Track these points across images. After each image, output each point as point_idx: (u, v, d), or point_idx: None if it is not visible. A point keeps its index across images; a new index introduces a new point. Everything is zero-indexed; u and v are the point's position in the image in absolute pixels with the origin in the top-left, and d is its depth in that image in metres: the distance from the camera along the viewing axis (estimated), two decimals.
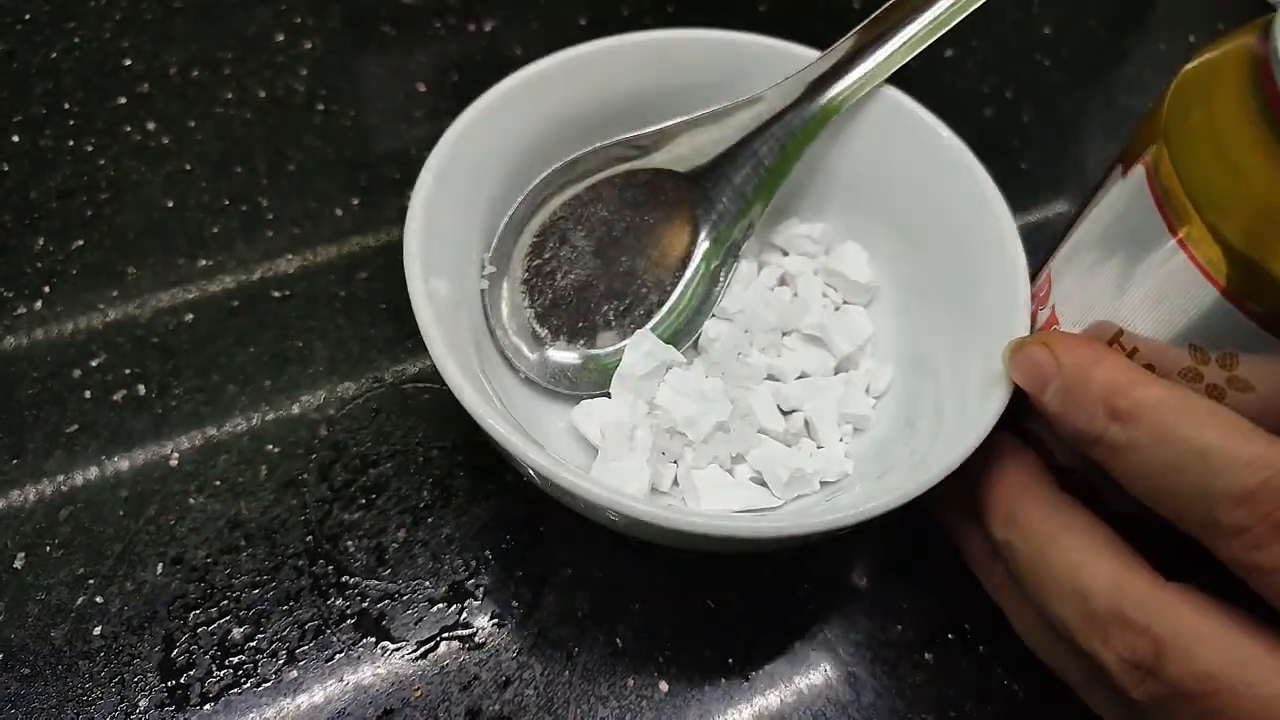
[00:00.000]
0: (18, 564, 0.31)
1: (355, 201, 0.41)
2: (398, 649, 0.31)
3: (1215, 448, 0.21)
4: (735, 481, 0.30)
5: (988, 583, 0.30)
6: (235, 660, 0.30)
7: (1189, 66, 0.24)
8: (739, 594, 0.32)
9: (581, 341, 0.33)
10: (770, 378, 0.33)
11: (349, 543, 0.33)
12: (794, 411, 0.32)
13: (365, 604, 0.31)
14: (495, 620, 0.31)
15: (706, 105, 0.33)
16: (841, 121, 0.34)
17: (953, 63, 0.49)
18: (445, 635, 0.31)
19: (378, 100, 0.45)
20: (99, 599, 0.31)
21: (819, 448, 0.32)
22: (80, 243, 0.39)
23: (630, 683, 0.31)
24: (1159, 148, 0.23)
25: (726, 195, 0.34)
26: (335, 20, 0.48)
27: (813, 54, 0.33)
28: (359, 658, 0.30)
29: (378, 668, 0.30)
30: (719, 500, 0.30)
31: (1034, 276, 0.30)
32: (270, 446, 0.34)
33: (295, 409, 0.35)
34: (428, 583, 0.32)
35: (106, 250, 0.39)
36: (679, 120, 0.33)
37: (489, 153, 0.31)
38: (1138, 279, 0.24)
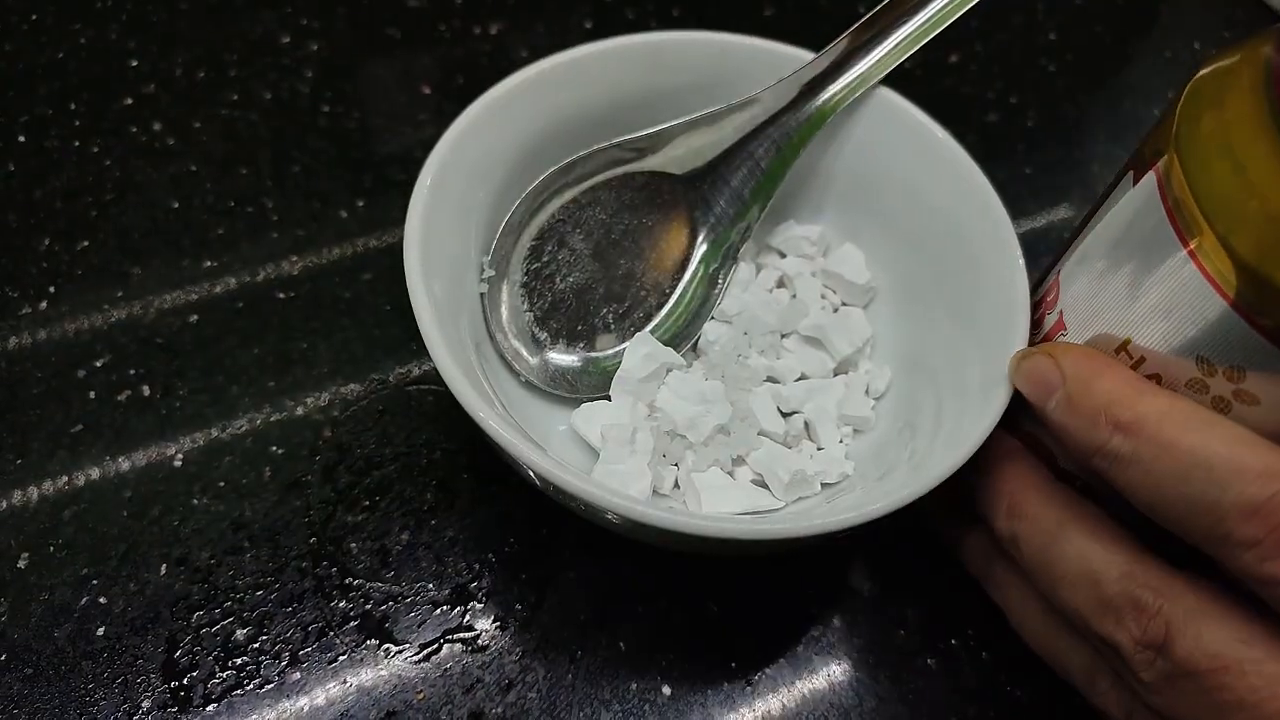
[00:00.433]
0: (21, 564, 0.31)
1: (360, 203, 0.41)
2: (400, 651, 0.31)
3: (1222, 459, 0.21)
4: (736, 484, 0.30)
5: (986, 581, 0.30)
6: (238, 661, 0.30)
7: (1200, 75, 0.23)
8: (742, 598, 0.32)
9: (581, 344, 0.33)
10: (770, 380, 0.33)
11: (352, 544, 0.33)
12: (794, 413, 0.32)
13: (368, 606, 0.31)
14: (498, 623, 0.31)
15: (703, 107, 0.33)
16: (838, 123, 0.34)
17: (957, 67, 0.49)
18: (448, 638, 0.31)
19: (382, 102, 0.45)
20: (102, 599, 0.31)
21: (819, 449, 0.32)
22: (85, 243, 0.39)
23: (633, 686, 0.31)
24: (1170, 158, 0.23)
25: (724, 197, 0.34)
26: (340, 22, 0.48)
27: (808, 55, 0.33)
28: (362, 660, 0.30)
29: (380, 670, 0.30)
30: (720, 502, 0.30)
31: (1039, 280, 0.30)
32: (274, 448, 0.34)
33: (299, 410, 0.35)
34: (431, 585, 0.32)
35: (111, 251, 0.39)
36: (676, 122, 0.33)
37: (486, 156, 0.31)
38: (1147, 289, 0.24)
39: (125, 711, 0.29)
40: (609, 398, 0.32)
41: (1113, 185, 0.26)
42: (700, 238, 0.34)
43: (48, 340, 0.36)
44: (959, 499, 0.29)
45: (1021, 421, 0.28)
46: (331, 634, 0.31)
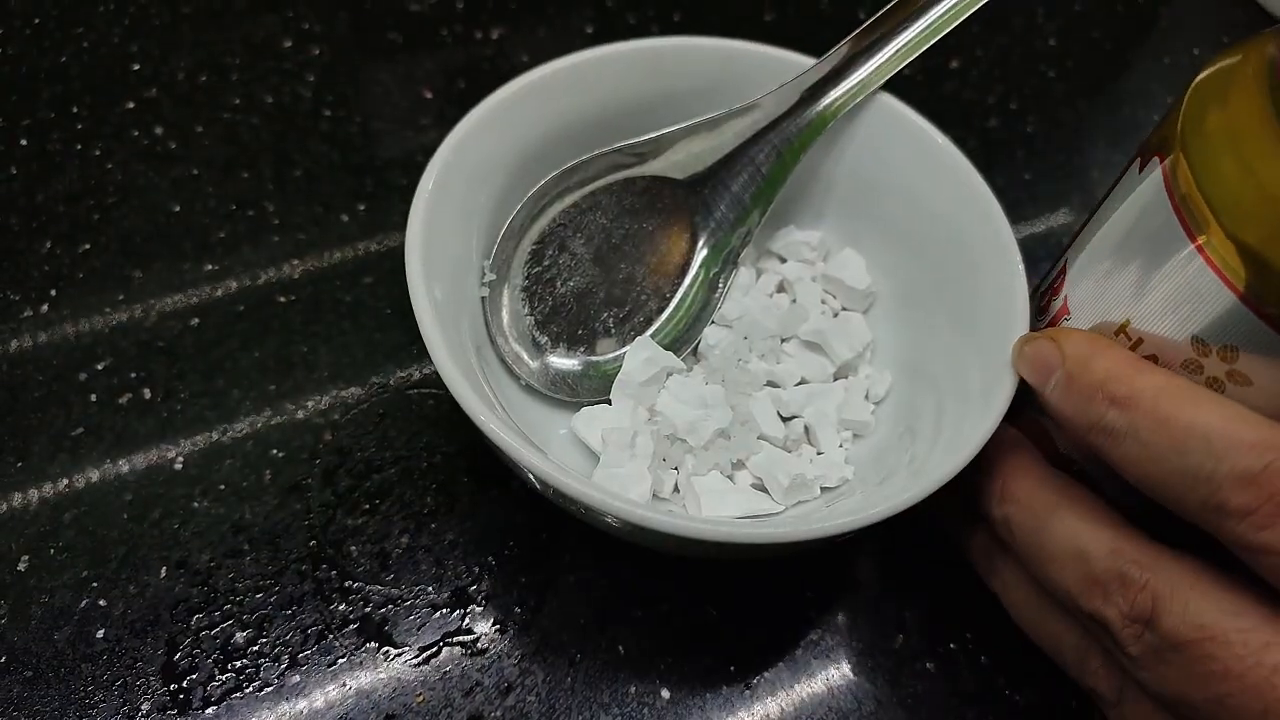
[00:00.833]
0: (21, 566, 0.31)
1: (361, 207, 0.41)
2: (400, 654, 0.31)
3: (1217, 431, 0.21)
4: (736, 488, 0.30)
5: (986, 574, 0.30)
6: (237, 664, 0.30)
7: (1204, 74, 0.24)
8: (741, 601, 0.32)
9: (581, 348, 0.33)
10: (770, 384, 0.33)
11: (352, 548, 0.33)
12: (794, 418, 0.32)
13: (368, 609, 0.32)
14: (497, 626, 0.32)
15: (703, 112, 0.33)
16: (838, 129, 0.34)
17: (958, 73, 0.49)
18: (447, 641, 0.31)
19: (384, 106, 0.45)
20: (102, 602, 0.31)
21: (819, 454, 0.32)
22: (87, 246, 0.39)
23: (632, 690, 0.31)
24: (1176, 155, 0.23)
25: (724, 202, 0.34)
26: (343, 27, 0.48)
27: (809, 61, 0.33)
28: (361, 663, 0.30)
29: (380, 673, 0.30)
30: (720, 506, 0.30)
31: (1040, 284, 0.30)
32: (274, 451, 0.35)
33: (300, 414, 0.35)
34: (430, 588, 0.32)
35: (113, 254, 0.39)
36: (676, 128, 0.33)
37: (487, 160, 0.31)
38: (1155, 282, 0.24)
39: (125, 714, 0.29)
40: (609, 402, 0.32)
41: (1120, 176, 0.27)
42: (701, 242, 0.34)
43: (49, 343, 0.36)
44: (964, 497, 0.29)
45: (1021, 408, 0.28)
46: (331, 637, 0.31)
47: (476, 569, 0.33)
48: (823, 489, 0.31)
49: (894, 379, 0.33)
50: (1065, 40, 0.51)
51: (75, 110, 0.43)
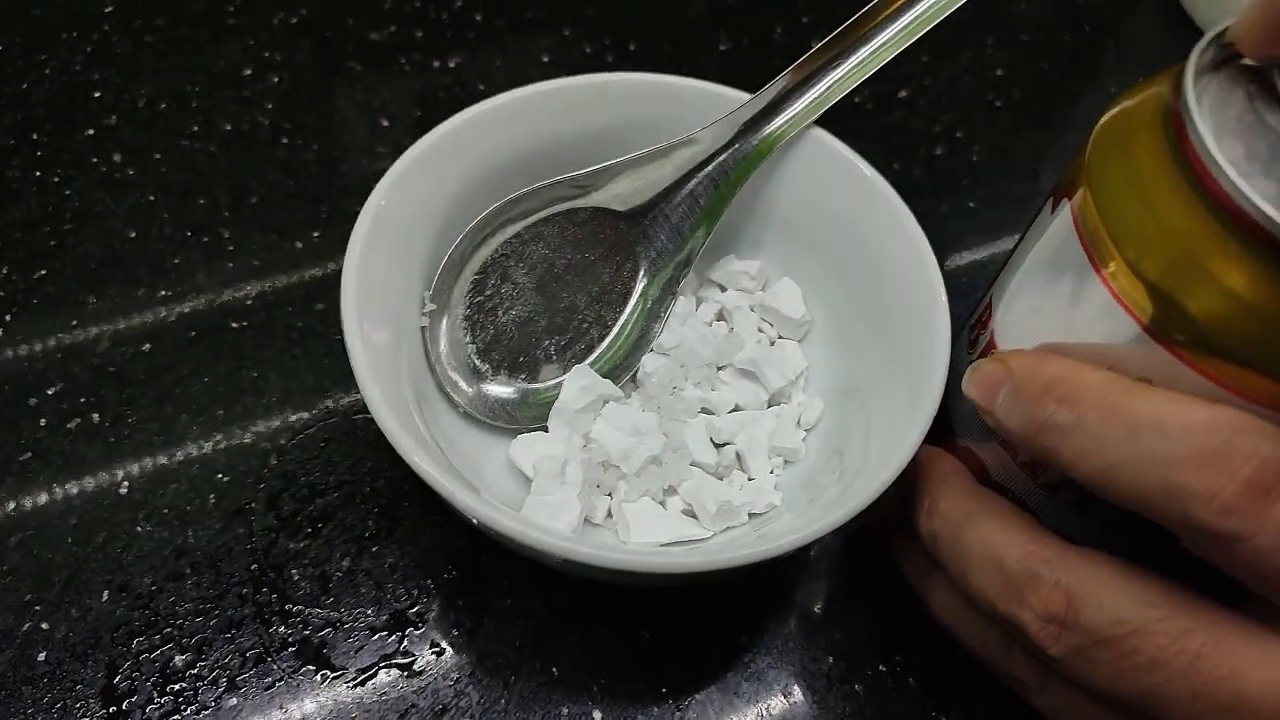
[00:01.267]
0: None
1: (315, 234, 0.42)
2: (338, 676, 0.31)
3: (1168, 413, 0.21)
4: (666, 514, 0.31)
5: (917, 586, 0.31)
6: (176, 687, 0.31)
7: (1110, 113, 0.25)
8: (674, 625, 0.33)
9: (523, 376, 0.34)
10: (705, 411, 0.34)
11: (294, 571, 0.33)
12: (726, 444, 0.33)
13: (307, 632, 0.32)
14: (435, 649, 0.32)
15: (644, 146, 0.34)
16: (776, 161, 0.35)
17: (906, 102, 0.50)
18: (385, 663, 0.32)
19: (341, 134, 0.46)
20: (45, 625, 0.31)
21: (750, 480, 0.33)
22: (43, 272, 0.40)
23: (565, 711, 0.31)
24: (1084, 191, 0.24)
25: (665, 233, 0.35)
26: (303, 55, 0.49)
27: (745, 96, 0.34)
28: (298, 685, 0.31)
29: (317, 695, 0.31)
30: (649, 532, 0.30)
31: (969, 318, 0.31)
32: (220, 475, 0.35)
33: (247, 438, 0.36)
34: (370, 611, 0.33)
35: (68, 280, 0.40)
36: (618, 161, 0.34)
37: (430, 194, 0.32)
38: (1066, 312, 0.25)
39: None
40: (548, 429, 0.33)
41: (1035, 215, 0.27)
42: (641, 272, 0.35)
43: (1, 368, 0.37)
44: (899, 516, 0.30)
45: (955, 436, 0.29)
46: (270, 660, 0.31)
47: (415, 592, 0.33)
48: (751, 515, 0.32)
49: (825, 405, 0.34)
50: (1012, 70, 0.52)
51: (35, 137, 0.44)
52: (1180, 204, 0.21)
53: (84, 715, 0.30)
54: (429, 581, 0.33)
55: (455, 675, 0.32)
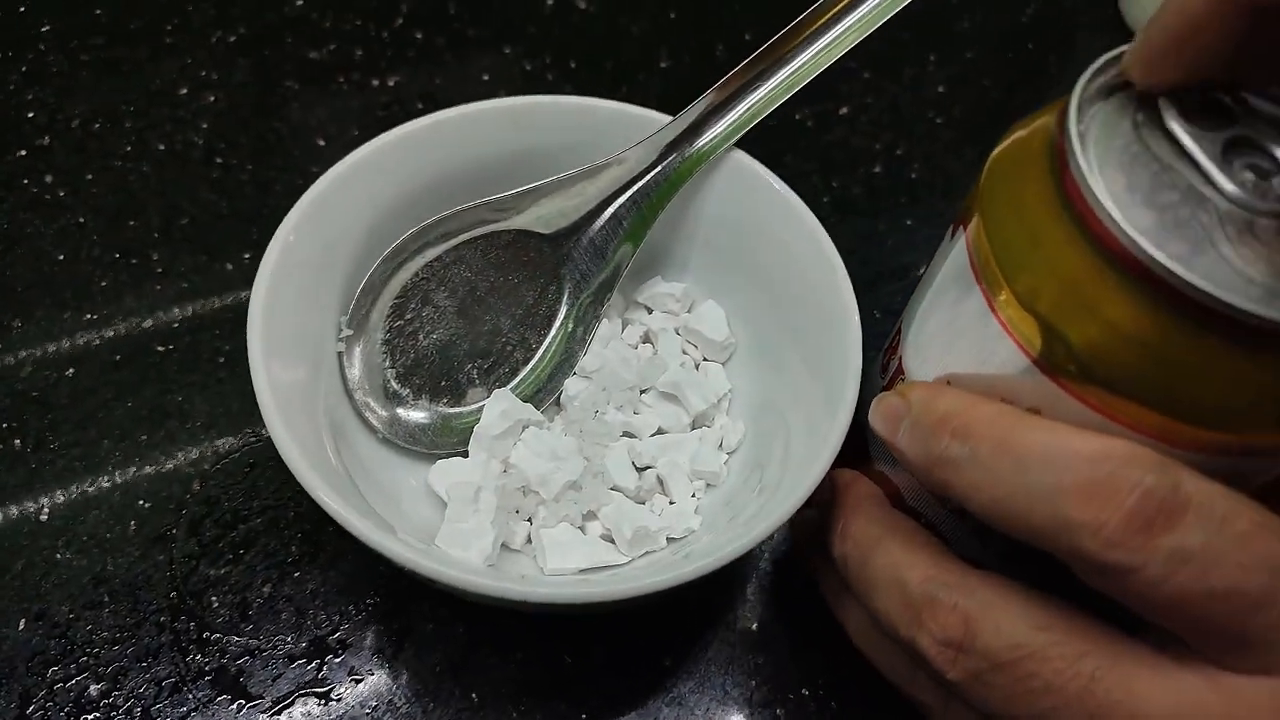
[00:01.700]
0: None
1: (246, 256, 0.42)
2: (254, 705, 0.31)
3: (1053, 446, 0.21)
4: (583, 539, 0.31)
5: (834, 607, 0.31)
6: (89, 718, 0.30)
7: (1003, 144, 0.25)
8: (597, 649, 0.33)
9: (445, 400, 0.34)
10: (627, 434, 0.34)
11: (213, 598, 0.33)
12: (648, 468, 0.33)
13: (225, 660, 0.32)
14: (354, 676, 0.32)
15: (568, 168, 0.34)
16: (700, 183, 0.35)
17: (847, 119, 0.50)
18: (303, 691, 0.32)
19: (276, 154, 0.45)
20: None
21: (671, 503, 0.33)
22: None
23: None
24: (977, 220, 0.24)
25: (588, 256, 0.35)
26: (241, 74, 0.48)
27: (664, 118, 0.34)
28: (214, 715, 0.31)
29: None
30: (564, 559, 0.30)
31: (885, 342, 0.31)
32: (141, 502, 0.35)
33: (170, 465, 0.36)
34: (289, 638, 0.32)
35: None
36: (541, 183, 0.34)
37: (345, 221, 0.32)
38: (964, 341, 0.25)
39: None
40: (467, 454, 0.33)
41: (940, 243, 0.28)
42: (565, 295, 0.35)
43: None
44: (820, 539, 0.30)
45: (872, 460, 0.29)
46: (185, 689, 0.31)
47: (337, 618, 0.33)
48: (669, 539, 0.32)
49: (748, 426, 0.34)
50: (954, 88, 0.53)
51: None
52: (1063, 237, 0.21)
53: None
54: (350, 607, 0.33)
55: (374, 703, 0.32)
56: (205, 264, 0.41)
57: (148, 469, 0.36)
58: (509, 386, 0.34)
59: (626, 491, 0.32)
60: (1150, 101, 0.22)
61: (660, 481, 0.33)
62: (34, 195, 0.43)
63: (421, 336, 0.34)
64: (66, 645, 0.32)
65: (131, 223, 0.42)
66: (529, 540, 0.32)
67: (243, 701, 0.31)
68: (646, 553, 0.31)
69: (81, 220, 0.42)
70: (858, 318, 0.30)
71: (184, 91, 0.47)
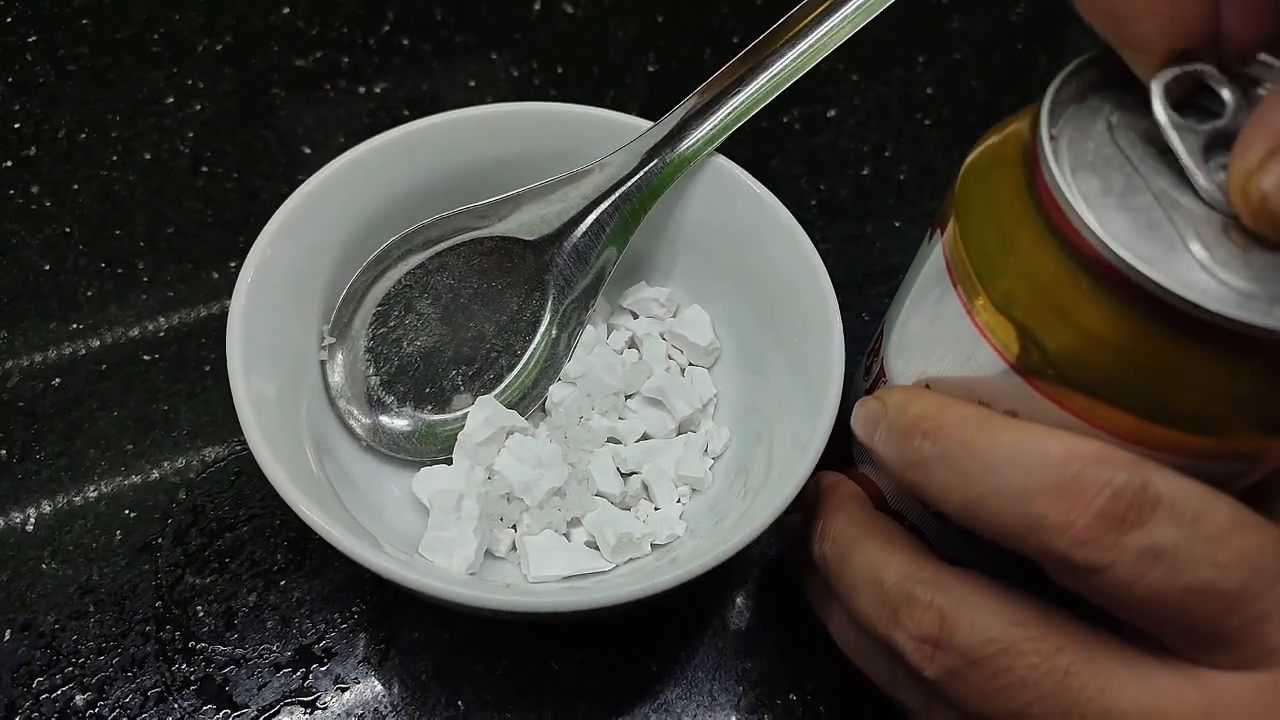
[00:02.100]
0: None
1: (232, 264, 0.42)
2: (240, 714, 0.31)
3: (1023, 446, 0.21)
4: (567, 546, 0.31)
5: (818, 610, 0.31)
6: None
7: (978, 148, 0.25)
8: (583, 655, 0.33)
9: (429, 407, 0.34)
10: (612, 440, 0.34)
11: (199, 608, 0.33)
12: (633, 474, 0.33)
13: (210, 669, 0.32)
14: (339, 684, 0.32)
15: (550, 174, 0.34)
16: (683, 188, 0.35)
17: (835, 122, 0.50)
18: (288, 700, 0.32)
19: (262, 162, 0.45)
20: None
21: (656, 509, 0.33)
22: None
23: None
24: (953, 224, 0.24)
25: (572, 262, 0.34)
26: (227, 83, 0.48)
27: (645, 124, 0.34)
28: None
29: None
30: (548, 566, 0.30)
31: (869, 345, 0.31)
32: (127, 511, 0.35)
33: (156, 474, 0.36)
34: (275, 647, 0.32)
35: None
36: (524, 189, 0.34)
37: (325, 231, 0.32)
38: (941, 344, 0.25)
39: None
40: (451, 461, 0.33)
41: (921, 246, 0.28)
42: (549, 301, 0.35)
43: None
44: (805, 542, 0.30)
45: (856, 463, 0.29)
46: (171, 699, 0.31)
47: (322, 626, 0.33)
48: (654, 545, 0.32)
49: (732, 432, 0.34)
50: (942, 89, 0.53)
51: None
52: (1036, 241, 0.21)
53: None
54: (336, 615, 0.33)
55: (360, 711, 0.32)
56: (191, 273, 0.41)
57: (133, 478, 0.36)
58: (493, 393, 0.34)
59: (611, 498, 0.32)
60: (1125, 102, 0.22)
61: (645, 487, 0.33)
62: (20, 205, 0.43)
63: (405, 344, 0.34)
64: (52, 655, 0.32)
65: (117, 232, 0.42)
66: (513, 547, 0.32)
67: (228, 710, 0.31)
68: (631, 559, 0.31)
69: (68, 230, 0.42)
70: (840, 323, 0.30)
71: (170, 100, 0.47)
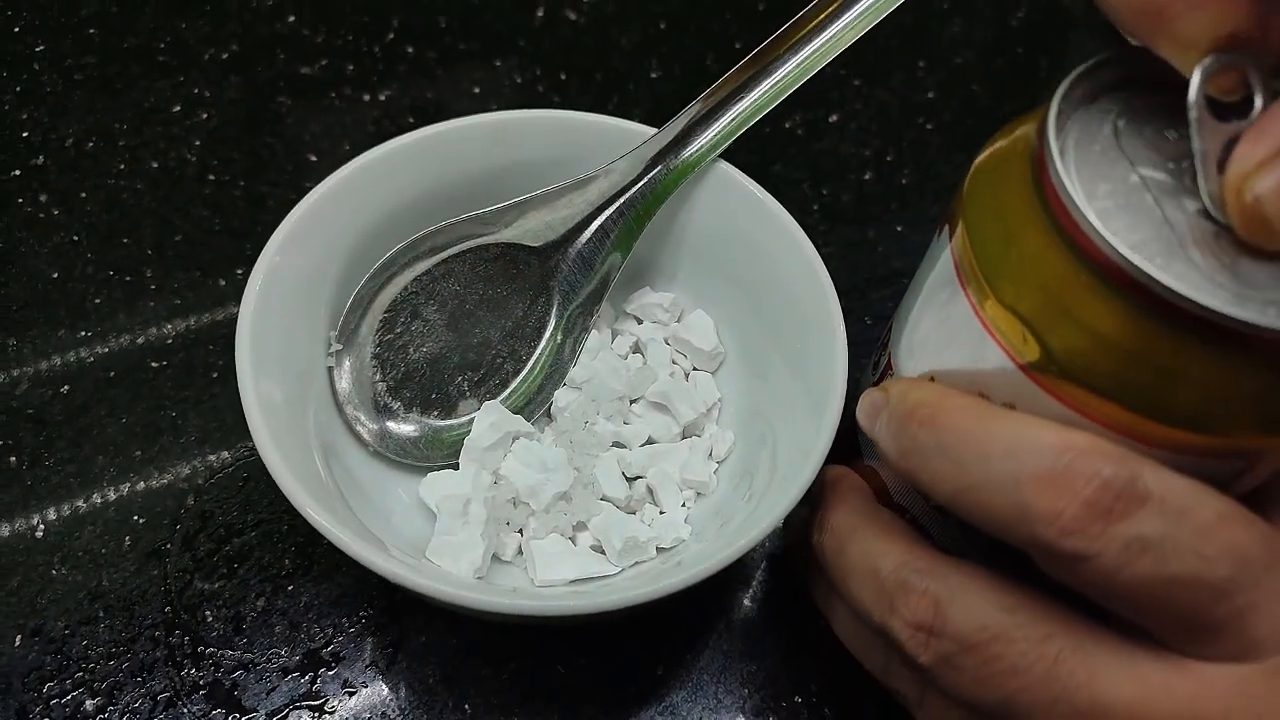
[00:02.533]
0: None
1: (239, 272, 0.42)
2: (249, 719, 0.31)
3: (1017, 435, 0.21)
4: (573, 550, 0.31)
5: (820, 603, 0.31)
6: None
7: (986, 150, 0.25)
8: (590, 659, 0.33)
9: (436, 413, 0.34)
10: (617, 445, 0.34)
11: (208, 613, 0.33)
12: (638, 478, 0.33)
13: (219, 674, 0.32)
14: (347, 689, 0.32)
15: (554, 181, 0.34)
16: (686, 194, 0.35)
17: (837, 127, 0.51)
18: (296, 705, 0.32)
19: (269, 170, 0.46)
20: None
21: (661, 513, 0.33)
22: None
23: None
24: (961, 224, 0.24)
25: (576, 268, 0.35)
26: (233, 92, 0.49)
27: (647, 130, 0.34)
28: None
29: None
30: (554, 570, 0.30)
31: (879, 341, 0.32)
32: (136, 517, 0.35)
33: (164, 479, 0.36)
34: (283, 651, 0.33)
35: None
36: (529, 196, 0.34)
37: (333, 238, 0.32)
38: (948, 340, 0.25)
39: None
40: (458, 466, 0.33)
41: (931, 241, 0.28)
42: (554, 306, 0.35)
43: None
44: (807, 537, 0.30)
45: (861, 456, 0.30)
46: (180, 703, 0.31)
47: (330, 630, 0.33)
48: (659, 549, 0.32)
49: (736, 436, 0.34)
50: (944, 94, 0.53)
51: None
52: (1043, 243, 0.22)
53: None
54: (344, 619, 0.34)
55: (368, 715, 0.32)
56: (199, 280, 0.42)
57: (142, 484, 0.36)
58: (499, 398, 0.34)
59: (616, 502, 0.33)
60: (1131, 106, 0.23)
61: (650, 491, 0.33)
62: (29, 214, 0.43)
63: (411, 350, 0.34)
64: (62, 660, 0.32)
65: (125, 240, 0.43)
66: (520, 552, 0.32)
67: (237, 715, 0.31)
68: (636, 563, 0.31)
69: (76, 238, 0.43)
70: (843, 327, 0.31)
71: (177, 109, 0.48)
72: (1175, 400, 0.21)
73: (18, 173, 0.45)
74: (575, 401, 0.34)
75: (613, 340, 0.37)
